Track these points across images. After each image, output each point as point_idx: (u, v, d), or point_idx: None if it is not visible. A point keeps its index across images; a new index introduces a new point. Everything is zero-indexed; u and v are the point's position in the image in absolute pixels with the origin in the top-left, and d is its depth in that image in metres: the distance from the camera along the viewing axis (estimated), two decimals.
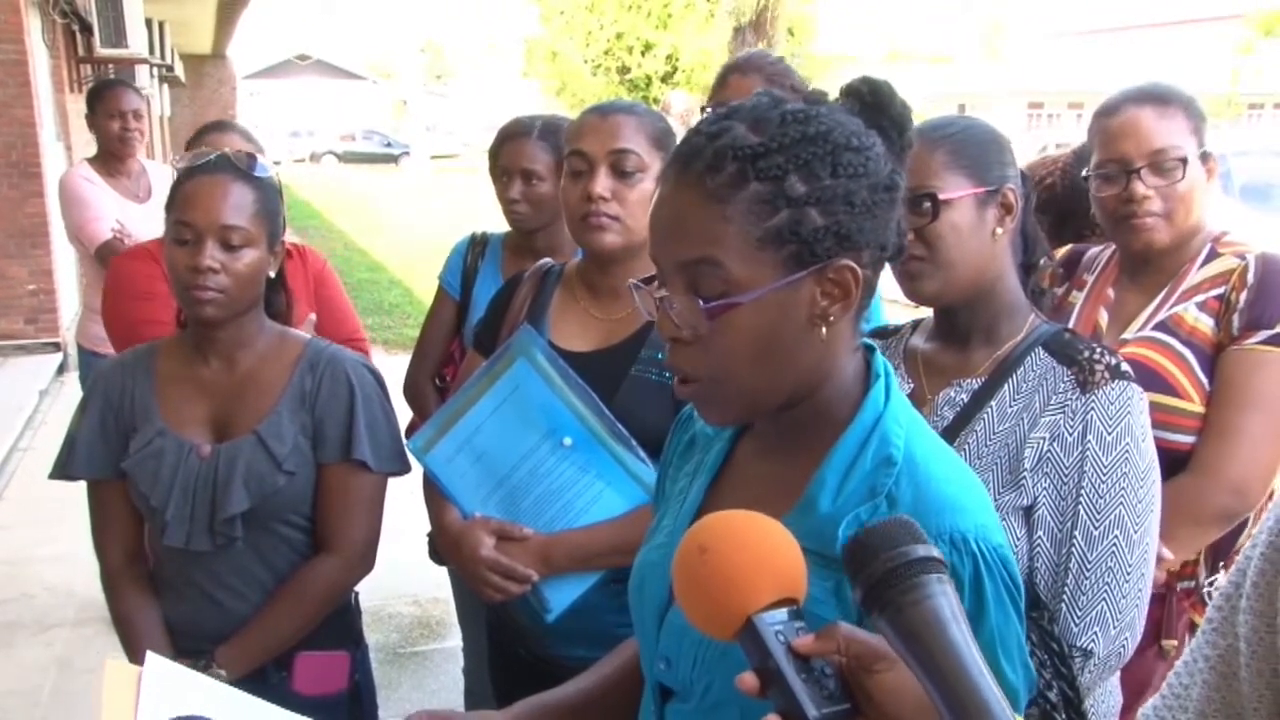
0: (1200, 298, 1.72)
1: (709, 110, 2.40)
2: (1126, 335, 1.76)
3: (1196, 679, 0.79)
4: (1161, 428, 1.65)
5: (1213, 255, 1.76)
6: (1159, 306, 1.76)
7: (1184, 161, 1.71)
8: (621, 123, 1.68)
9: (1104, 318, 1.82)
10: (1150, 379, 1.67)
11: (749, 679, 0.74)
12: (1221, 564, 1.77)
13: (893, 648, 0.68)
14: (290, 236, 2.63)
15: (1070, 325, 1.82)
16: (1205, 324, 1.71)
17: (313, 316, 2.55)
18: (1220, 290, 1.71)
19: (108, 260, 3.55)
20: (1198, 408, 1.68)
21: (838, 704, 0.72)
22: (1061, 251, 1.97)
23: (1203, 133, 1.76)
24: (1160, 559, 1.60)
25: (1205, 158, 1.75)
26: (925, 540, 0.71)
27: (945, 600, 0.68)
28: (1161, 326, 1.74)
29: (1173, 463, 1.67)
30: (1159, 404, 1.66)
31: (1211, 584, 1.75)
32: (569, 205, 1.71)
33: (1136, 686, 1.62)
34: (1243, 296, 1.68)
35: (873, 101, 0.99)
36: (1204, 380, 1.69)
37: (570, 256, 2.00)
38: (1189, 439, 1.68)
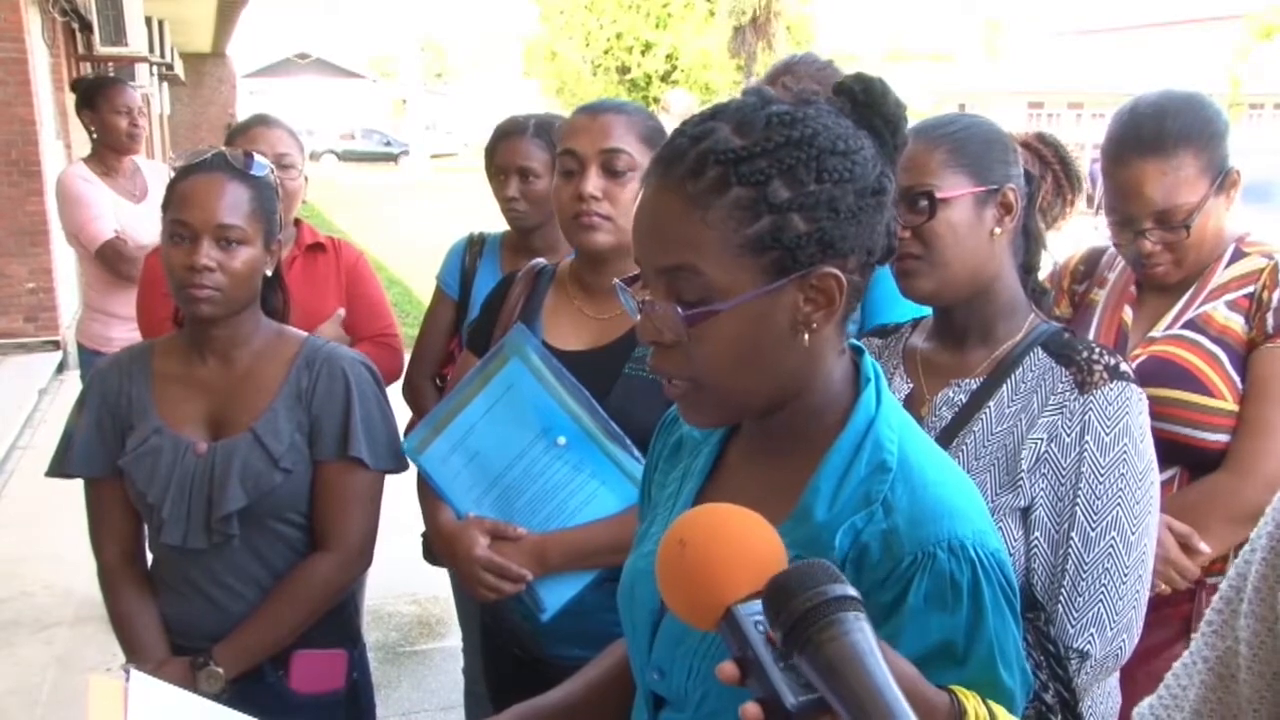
0: (1229, 296, 1.70)
1: None
2: (1154, 334, 1.74)
3: (1194, 679, 0.79)
4: (1191, 425, 1.65)
5: (1238, 255, 1.74)
6: (1186, 305, 1.73)
7: (1192, 214, 1.65)
8: (612, 122, 1.68)
9: (1129, 315, 1.80)
10: (1180, 376, 1.67)
11: (729, 668, 0.75)
12: None
13: (815, 685, 0.70)
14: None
15: (1094, 323, 1.82)
16: (1236, 322, 1.69)
17: (340, 312, 2.56)
18: (1250, 289, 1.69)
19: (110, 260, 3.54)
20: (1230, 405, 1.66)
21: (815, 692, 0.73)
22: (1080, 253, 1.96)
23: (1221, 153, 1.67)
24: (1197, 553, 1.61)
25: (1225, 176, 1.68)
26: (843, 580, 0.72)
27: (862, 635, 0.70)
28: (1190, 325, 1.71)
29: (1202, 461, 1.67)
30: (1189, 402, 1.65)
31: None
32: (561, 205, 1.71)
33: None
34: (1275, 295, 1.66)
35: (865, 100, 0.96)
36: (1236, 378, 1.67)
37: (568, 254, 2.00)
38: (1219, 437, 1.66)
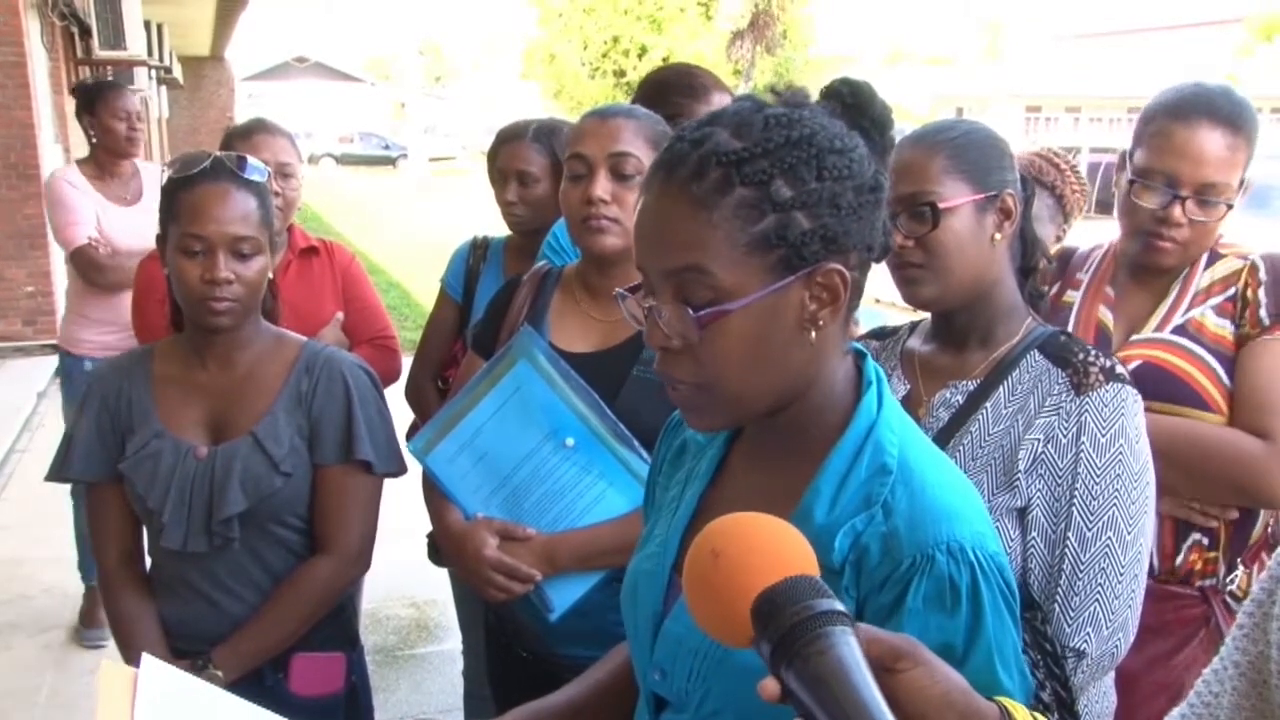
0: (1214, 301, 1.69)
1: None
2: (1138, 336, 1.72)
3: (1226, 686, 0.78)
4: None
5: (1215, 257, 1.73)
6: (1172, 308, 1.72)
7: (1232, 198, 1.64)
8: (621, 126, 1.69)
9: (1107, 317, 1.78)
10: (1177, 390, 1.65)
11: (770, 685, 0.73)
12: (1240, 560, 1.72)
13: (802, 698, 0.70)
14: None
15: (1070, 325, 1.80)
16: (1225, 329, 1.67)
17: (340, 316, 2.56)
18: (1232, 291, 1.69)
19: (80, 266, 3.53)
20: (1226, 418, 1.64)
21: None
22: (1052, 251, 1.97)
23: (1251, 156, 1.67)
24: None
25: (1241, 183, 1.68)
26: (830, 595, 0.72)
27: (849, 649, 0.70)
28: (1182, 331, 1.69)
29: None
30: (1185, 416, 1.63)
31: (1232, 582, 1.71)
32: (569, 208, 1.72)
33: (1177, 686, 1.60)
34: (1260, 293, 1.65)
35: (854, 103, 0.98)
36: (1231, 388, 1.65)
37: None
38: None
